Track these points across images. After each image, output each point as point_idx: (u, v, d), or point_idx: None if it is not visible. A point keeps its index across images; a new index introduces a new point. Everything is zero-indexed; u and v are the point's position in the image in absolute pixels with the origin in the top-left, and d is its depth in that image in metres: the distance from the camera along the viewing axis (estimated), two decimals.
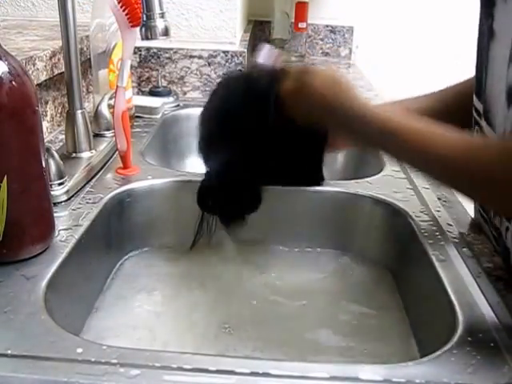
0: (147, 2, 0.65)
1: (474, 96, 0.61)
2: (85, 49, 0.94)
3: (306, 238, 0.74)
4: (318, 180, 0.72)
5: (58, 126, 0.90)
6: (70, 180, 0.66)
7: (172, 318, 0.61)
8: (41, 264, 0.52)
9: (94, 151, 0.74)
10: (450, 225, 0.64)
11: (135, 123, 0.95)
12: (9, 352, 0.41)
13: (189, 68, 1.11)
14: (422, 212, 0.67)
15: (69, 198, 0.65)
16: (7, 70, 0.47)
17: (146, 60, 1.11)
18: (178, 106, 1.06)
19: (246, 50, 1.12)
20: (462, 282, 0.53)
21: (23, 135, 0.49)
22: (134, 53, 1.09)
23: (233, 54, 1.10)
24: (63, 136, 0.78)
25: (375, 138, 0.57)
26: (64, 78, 0.72)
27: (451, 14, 1.72)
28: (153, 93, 1.08)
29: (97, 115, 0.82)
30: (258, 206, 0.68)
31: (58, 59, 0.83)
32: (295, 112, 0.61)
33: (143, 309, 0.62)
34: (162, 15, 0.66)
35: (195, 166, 1.05)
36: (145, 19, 0.65)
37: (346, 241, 0.74)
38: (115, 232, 0.69)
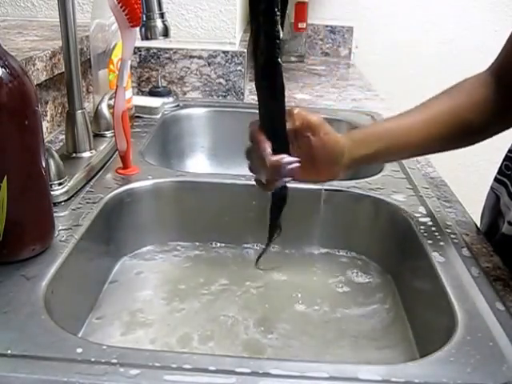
0: (147, 2, 0.65)
1: None
2: (85, 49, 0.94)
3: (306, 238, 0.74)
4: None
5: (58, 126, 0.90)
6: (70, 180, 0.66)
7: (173, 317, 0.61)
8: (41, 264, 0.52)
9: (93, 151, 0.74)
10: (449, 225, 0.64)
11: (135, 123, 0.95)
12: (9, 352, 0.41)
13: (189, 68, 1.11)
14: (421, 212, 0.67)
15: (69, 198, 0.65)
16: (7, 70, 0.47)
17: (146, 60, 1.11)
18: (178, 106, 1.06)
19: (245, 50, 1.12)
20: (461, 281, 0.53)
21: (23, 135, 0.49)
22: (134, 53, 1.09)
23: (233, 54, 1.10)
24: (63, 136, 0.78)
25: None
26: (64, 78, 0.72)
27: (451, 15, 1.72)
28: (153, 93, 1.08)
29: (97, 115, 0.82)
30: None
31: (58, 59, 0.83)
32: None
33: (144, 308, 0.62)
34: (162, 15, 0.66)
35: (195, 165, 1.06)
36: (144, 19, 0.65)
37: (345, 241, 0.74)
38: (115, 232, 0.69)
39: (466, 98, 0.63)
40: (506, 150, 0.70)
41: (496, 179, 0.70)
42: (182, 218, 0.75)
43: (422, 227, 0.64)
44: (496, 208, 0.69)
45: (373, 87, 1.34)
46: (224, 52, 1.10)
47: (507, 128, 0.64)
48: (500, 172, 0.70)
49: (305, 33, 1.63)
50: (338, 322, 0.62)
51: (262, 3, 0.49)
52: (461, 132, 0.62)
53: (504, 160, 0.69)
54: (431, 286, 0.56)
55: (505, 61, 0.63)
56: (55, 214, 0.57)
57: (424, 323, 0.58)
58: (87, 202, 0.65)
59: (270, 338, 0.58)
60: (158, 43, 1.08)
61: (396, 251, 0.68)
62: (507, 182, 0.67)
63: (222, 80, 1.12)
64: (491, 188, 0.71)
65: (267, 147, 0.53)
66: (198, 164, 1.06)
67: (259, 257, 0.63)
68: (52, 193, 0.61)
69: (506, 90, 0.62)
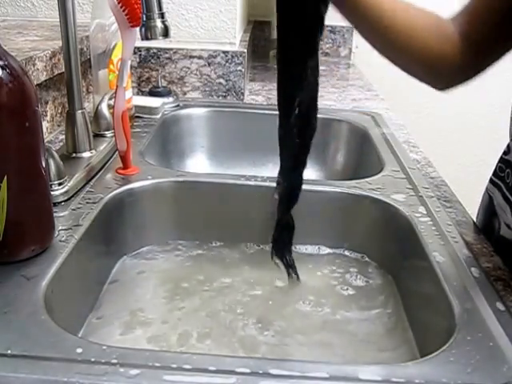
0: (147, 2, 0.65)
1: None
2: (85, 49, 0.94)
3: (306, 237, 0.74)
4: None
5: (58, 126, 0.90)
6: (70, 180, 0.66)
7: (173, 315, 0.61)
8: (41, 264, 0.52)
9: (93, 151, 0.74)
10: (450, 225, 0.64)
11: (135, 123, 0.95)
12: (9, 352, 0.41)
13: (189, 68, 1.11)
14: (421, 212, 0.67)
15: (69, 198, 0.65)
16: (7, 70, 0.47)
17: (146, 60, 1.11)
18: (178, 106, 1.06)
19: (245, 51, 1.12)
20: (462, 282, 0.53)
21: (23, 135, 0.49)
22: (134, 53, 1.09)
23: (233, 55, 1.10)
24: (63, 136, 0.78)
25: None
26: (64, 78, 0.72)
27: (450, 14, 1.72)
28: (153, 93, 1.08)
29: (97, 115, 0.82)
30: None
31: (58, 59, 0.83)
32: None
33: (144, 307, 0.62)
34: (162, 15, 0.66)
35: (195, 165, 1.06)
36: (144, 19, 0.65)
37: (345, 241, 0.74)
38: (115, 232, 0.69)
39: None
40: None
41: (491, 181, 0.70)
42: (182, 218, 0.75)
43: (421, 227, 0.64)
44: (490, 209, 0.69)
45: (373, 87, 1.34)
46: (224, 52, 1.10)
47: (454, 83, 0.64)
48: (494, 174, 0.70)
49: None
50: (337, 324, 0.62)
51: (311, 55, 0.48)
52: (418, 43, 0.63)
53: (498, 162, 0.69)
54: (431, 286, 0.55)
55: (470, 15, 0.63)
56: (55, 214, 0.57)
57: (424, 323, 0.58)
58: (87, 202, 0.65)
59: (265, 335, 0.58)
60: (158, 43, 1.08)
61: (396, 251, 0.68)
62: (501, 184, 0.67)
63: (222, 80, 1.12)
64: (486, 189, 0.72)
65: None
66: (198, 164, 1.06)
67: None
68: (52, 193, 0.61)
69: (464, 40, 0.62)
